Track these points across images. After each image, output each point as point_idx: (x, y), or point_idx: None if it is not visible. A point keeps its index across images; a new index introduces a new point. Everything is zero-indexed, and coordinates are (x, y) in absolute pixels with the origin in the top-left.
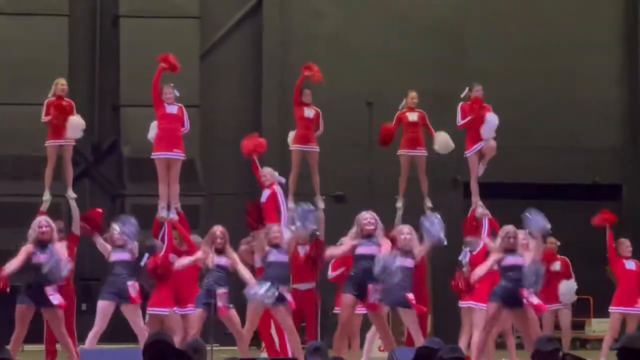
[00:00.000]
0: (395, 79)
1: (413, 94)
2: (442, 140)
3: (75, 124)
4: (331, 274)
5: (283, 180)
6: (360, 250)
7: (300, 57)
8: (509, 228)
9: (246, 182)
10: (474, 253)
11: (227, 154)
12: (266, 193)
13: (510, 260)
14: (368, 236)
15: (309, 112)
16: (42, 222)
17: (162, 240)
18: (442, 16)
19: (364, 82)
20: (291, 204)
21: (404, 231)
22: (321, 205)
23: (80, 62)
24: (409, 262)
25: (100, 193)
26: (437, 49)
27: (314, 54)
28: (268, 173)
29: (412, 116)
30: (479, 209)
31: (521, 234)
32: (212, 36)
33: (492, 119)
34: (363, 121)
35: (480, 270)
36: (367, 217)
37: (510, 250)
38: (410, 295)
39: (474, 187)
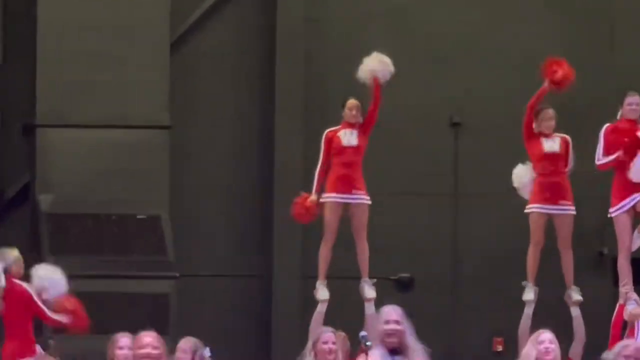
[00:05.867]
0: (495, 86)
1: (548, 113)
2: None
3: None
4: None
5: None
6: None
7: (338, 47)
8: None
9: (247, 257)
10: None
11: (214, 207)
12: None
13: None
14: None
15: (354, 138)
16: None
17: None
18: None
19: (446, 91)
20: (323, 294)
21: (545, 338)
22: (371, 294)
23: None
24: None
25: None
26: (566, 39)
27: (362, 44)
28: None
29: (551, 145)
30: (631, 304)
31: None
32: (191, 12)
33: None
34: (444, 151)
35: None
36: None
37: None
38: None
39: (624, 268)
